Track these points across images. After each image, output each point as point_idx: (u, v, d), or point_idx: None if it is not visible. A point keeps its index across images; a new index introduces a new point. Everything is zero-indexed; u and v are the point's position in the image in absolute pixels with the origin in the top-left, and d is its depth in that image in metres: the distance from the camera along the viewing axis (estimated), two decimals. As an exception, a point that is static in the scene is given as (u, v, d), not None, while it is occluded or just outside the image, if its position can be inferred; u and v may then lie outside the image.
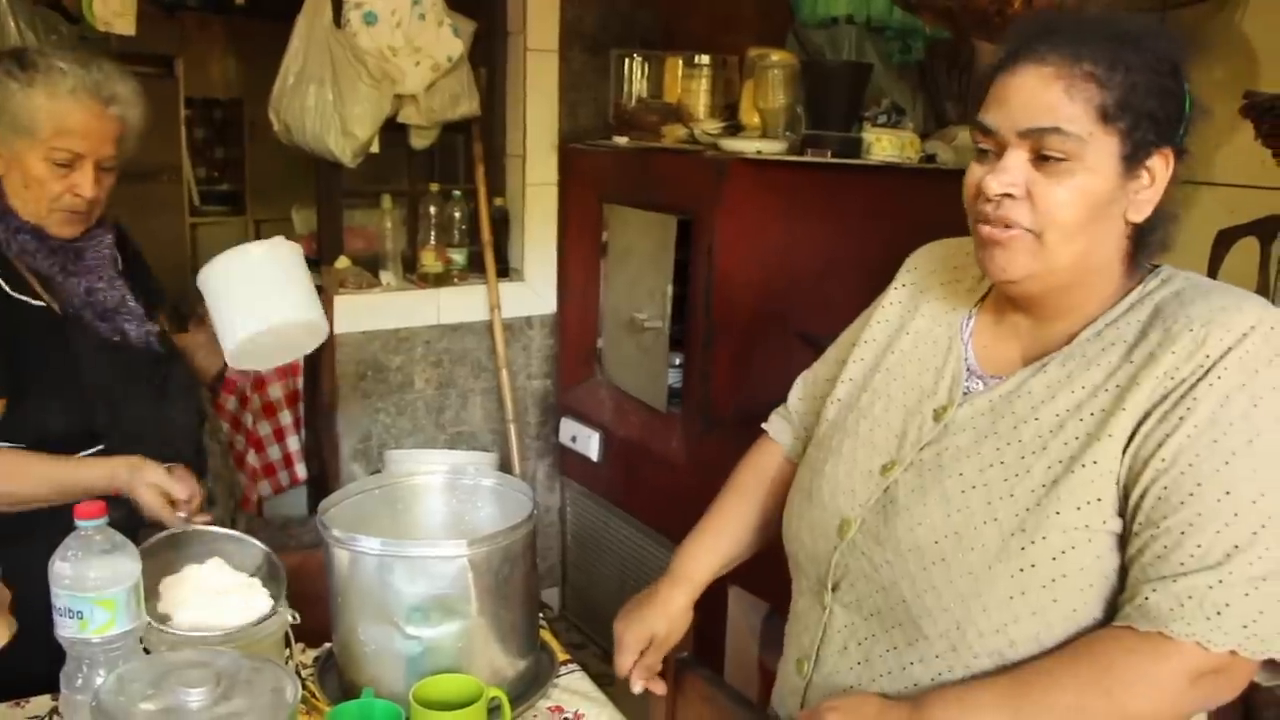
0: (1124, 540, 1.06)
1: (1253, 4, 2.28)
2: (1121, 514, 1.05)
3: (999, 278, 1.11)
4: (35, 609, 1.12)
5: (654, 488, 2.95)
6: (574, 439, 3.25)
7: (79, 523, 1.14)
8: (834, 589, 1.21)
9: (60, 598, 1.13)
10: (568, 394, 3.33)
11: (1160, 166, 1.07)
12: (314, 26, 2.73)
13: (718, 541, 1.47)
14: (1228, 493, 0.99)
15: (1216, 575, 0.98)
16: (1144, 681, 1.00)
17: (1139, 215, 1.08)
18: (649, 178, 2.87)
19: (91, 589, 1.13)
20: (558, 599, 3.51)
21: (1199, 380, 1.02)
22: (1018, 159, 1.06)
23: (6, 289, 1.62)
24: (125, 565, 1.16)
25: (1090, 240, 1.07)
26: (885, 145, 2.58)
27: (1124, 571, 1.06)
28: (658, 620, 1.40)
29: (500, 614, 1.35)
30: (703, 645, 1.56)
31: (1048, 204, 1.05)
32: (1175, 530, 1.00)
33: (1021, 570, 1.06)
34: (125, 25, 2.55)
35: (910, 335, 1.28)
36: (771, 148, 2.59)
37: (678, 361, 2.83)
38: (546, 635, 1.54)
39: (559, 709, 1.41)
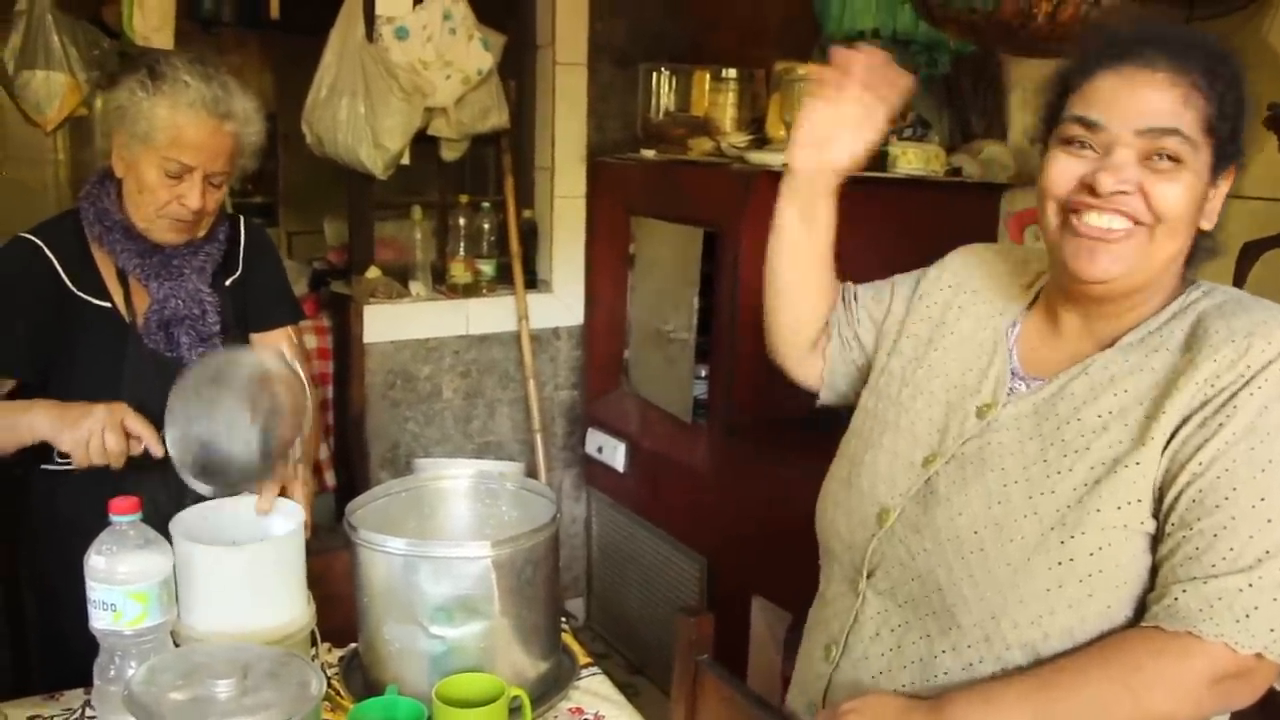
0: (1156, 542, 1.07)
1: (1280, 16, 2.28)
2: (1156, 515, 1.07)
3: (1095, 275, 1.10)
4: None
5: (679, 498, 2.97)
6: (600, 449, 3.27)
7: (114, 518, 1.18)
8: (869, 576, 1.23)
9: (95, 590, 1.17)
10: (594, 404, 3.35)
11: (1226, 182, 1.12)
12: (347, 41, 2.78)
13: None
14: (1262, 499, 1.01)
15: (1247, 579, 1.00)
16: (1167, 682, 1.01)
17: (1209, 223, 1.12)
18: (676, 190, 2.90)
19: (125, 582, 1.16)
20: (583, 609, 3.52)
21: (1240, 389, 1.03)
22: (1127, 157, 1.07)
23: (69, 284, 1.67)
24: (157, 560, 1.19)
25: (1184, 242, 1.11)
26: (911, 158, 2.60)
27: (1155, 572, 1.07)
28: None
29: (523, 615, 1.37)
30: (726, 655, 1.57)
31: (1162, 200, 1.07)
32: (1209, 533, 1.02)
33: (1060, 563, 1.07)
34: (163, 40, 2.61)
35: (954, 335, 1.30)
36: (797, 160, 2.60)
37: (703, 373, 2.84)
38: (568, 639, 1.55)
39: (579, 710, 1.43)
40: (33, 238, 1.68)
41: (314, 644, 1.43)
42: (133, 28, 2.58)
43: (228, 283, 1.81)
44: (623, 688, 1.51)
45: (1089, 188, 1.08)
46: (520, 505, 1.56)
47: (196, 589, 1.33)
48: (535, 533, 1.38)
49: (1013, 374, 1.22)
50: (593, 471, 3.40)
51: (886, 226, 2.67)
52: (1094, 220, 1.09)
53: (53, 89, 2.58)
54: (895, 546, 1.20)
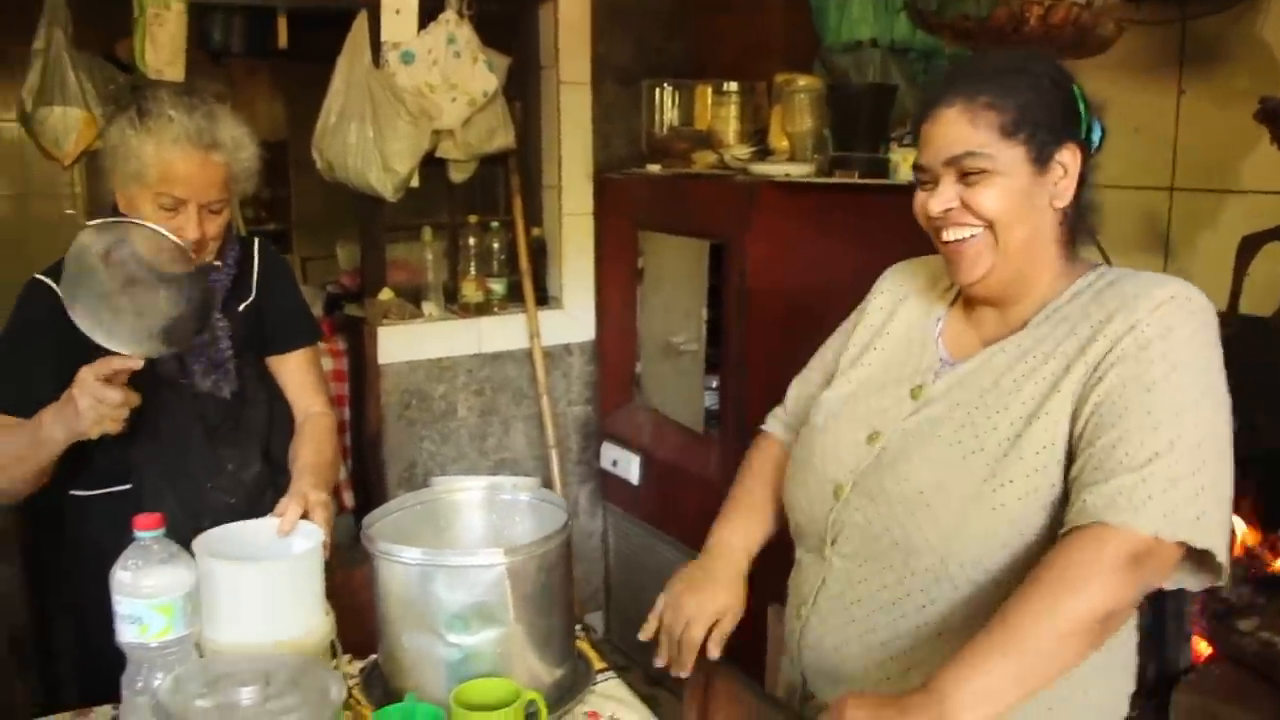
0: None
1: (1273, 11, 2.30)
2: (1069, 455, 1.25)
3: (968, 279, 1.35)
4: None
5: (693, 509, 2.98)
6: (615, 463, 3.30)
7: (138, 534, 1.22)
8: (833, 543, 1.41)
9: (121, 604, 1.21)
10: (608, 419, 3.38)
11: (1070, 159, 1.31)
12: (354, 67, 2.83)
13: (752, 517, 1.65)
14: (1149, 412, 1.19)
15: (1140, 475, 1.17)
16: (1095, 572, 1.13)
17: (1062, 201, 1.33)
18: (681, 204, 2.93)
19: (150, 596, 1.20)
20: (602, 622, 3.55)
21: (1125, 334, 1.24)
22: (947, 183, 1.33)
23: None
24: (181, 573, 1.23)
25: (1030, 226, 1.32)
26: (912, 165, 2.62)
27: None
28: (724, 596, 1.56)
29: (537, 621, 1.40)
30: (745, 663, 1.60)
31: (980, 206, 1.31)
32: (1107, 446, 1.20)
33: (994, 509, 1.26)
34: (175, 72, 2.66)
35: (891, 336, 1.51)
36: (799, 170, 2.64)
37: (714, 384, 2.87)
38: (584, 645, 1.58)
39: (595, 715, 1.45)
40: (46, 279, 1.72)
41: (335, 655, 1.46)
42: (145, 62, 2.64)
43: (240, 308, 1.85)
44: (644, 699, 1.52)
45: (929, 215, 1.35)
46: (533, 515, 1.59)
47: (218, 603, 1.36)
48: (547, 540, 1.41)
49: (941, 361, 1.43)
50: (608, 485, 3.43)
51: (888, 233, 2.69)
52: (948, 236, 1.34)
53: (69, 124, 2.63)
54: (852, 514, 1.39)
